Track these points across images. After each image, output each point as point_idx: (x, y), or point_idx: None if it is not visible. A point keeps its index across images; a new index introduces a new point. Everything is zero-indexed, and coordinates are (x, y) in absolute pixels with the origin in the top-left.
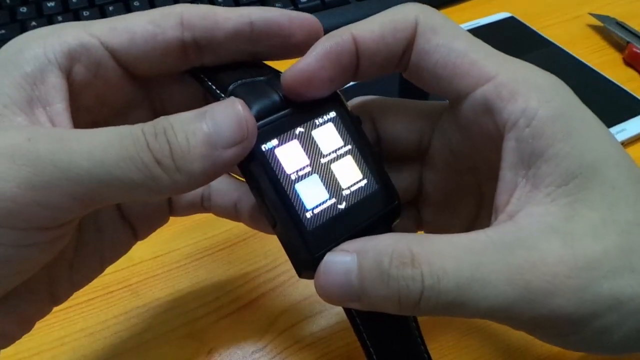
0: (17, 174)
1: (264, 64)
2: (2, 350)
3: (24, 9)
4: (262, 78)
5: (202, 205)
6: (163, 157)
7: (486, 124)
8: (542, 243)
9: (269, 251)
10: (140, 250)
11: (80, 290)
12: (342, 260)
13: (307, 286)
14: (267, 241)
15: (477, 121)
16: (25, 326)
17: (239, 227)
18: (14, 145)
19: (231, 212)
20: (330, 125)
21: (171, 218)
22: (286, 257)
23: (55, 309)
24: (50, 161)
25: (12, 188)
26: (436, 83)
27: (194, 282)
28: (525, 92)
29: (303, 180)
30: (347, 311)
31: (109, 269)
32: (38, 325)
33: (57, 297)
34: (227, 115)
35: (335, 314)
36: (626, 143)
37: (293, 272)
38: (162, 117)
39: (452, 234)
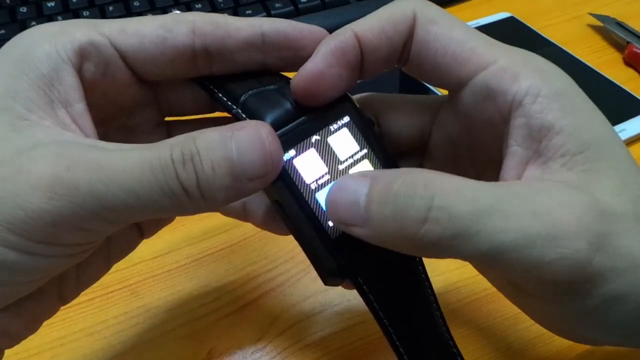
0: (58, 204)
1: (274, 72)
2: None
3: (24, 9)
4: (272, 87)
5: None
6: (190, 186)
7: (487, 109)
8: (568, 190)
9: (269, 251)
10: (140, 250)
11: None
12: (355, 180)
13: (307, 286)
14: (267, 241)
15: (477, 107)
16: (33, 326)
17: (239, 228)
18: (54, 175)
19: (240, 213)
20: (345, 130)
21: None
22: (286, 257)
23: None
24: (89, 192)
25: (53, 216)
26: (436, 73)
27: (194, 282)
28: (527, 73)
29: (323, 189)
30: (369, 304)
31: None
32: None
33: (64, 296)
34: (253, 146)
35: (335, 313)
36: (626, 143)
37: (293, 272)
38: (188, 137)
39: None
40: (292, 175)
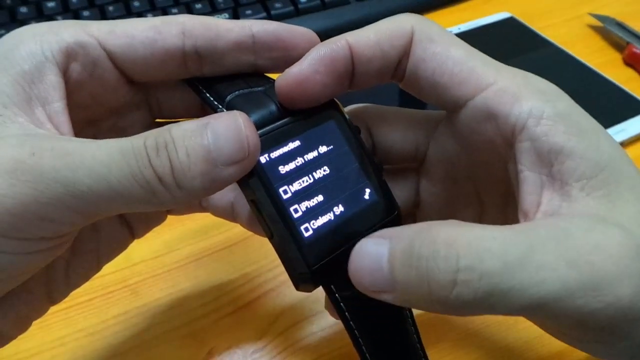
0: (20, 190)
1: (263, 74)
2: (1, 350)
3: (24, 9)
4: (260, 88)
5: (200, 205)
6: (164, 174)
7: (487, 131)
8: (599, 227)
9: (269, 251)
10: (140, 250)
11: (80, 290)
12: (375, 244)
13: None
14: (267, 241)
15: (477, 129)
16: (22, 326)
17: (238, 227)
18: (18, 160)
19: (228, 213)
20: (329, 134)
21: (172, 218)
22: None
23: (55, 308)
24: (53, 178)
25: (14, 203)
26: (434, 92)
27: (194, 282)
28: (528, 94)
29: (301, 192)
30: (340, 313)
31: (109, 269)
32: (38, 325)
33: (53, 296)
34: (229, 131)
35: None
36: (626, 143)
37: None
38: (164, 128)
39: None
40: (269, 175)
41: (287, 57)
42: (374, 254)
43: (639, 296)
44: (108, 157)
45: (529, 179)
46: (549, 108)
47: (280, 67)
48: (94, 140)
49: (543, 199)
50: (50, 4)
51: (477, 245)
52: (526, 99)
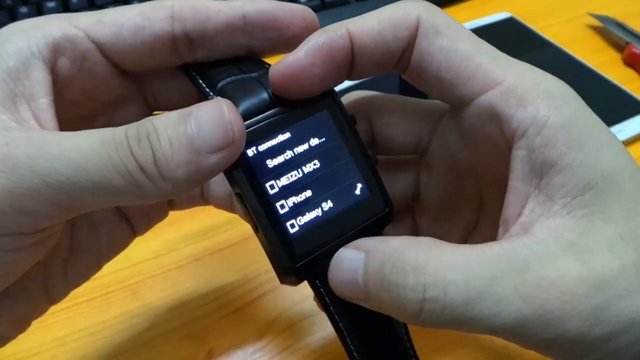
0: None
1: (259, 59)
2: (1, 350)
3: (24, 9)
4: (254, 75)
5: (202, 197)
6: (146, 163)
7: (491, 132)
8: (560, 260)
9: None
10: (141, 250)
11: (80, 290)
12: (351, 257)
13: (307, 286)
14: None
15: (481, 128)
16: (21, 326)
17: (238, 228)
18: None
19: (227, 204)
20: (322, 126)
21: (172, 218)
22: None
23: (55, 308)
24: (28, 167)
25: None
26: (438, 87)
27: (194, 282)
28: (535, 98)
29: (288, 187)
30: (325, 308)
31: (109, 269)
32: (38, 325)
33: (52, 295)
34: (212, 118)
35: None
36: (625, 143)
37: None
38: (147, 119)
39: (464, 244)
40: (255, 169)
41: (282, 38)
42: (350, 267)
43: (589, 329)
44: (87, 147)
45: (517, 189)
46: (553, 115)
47: (276, 48)
48: (75, 132)
49: (525, 211)
50: (50, 4)
51: (443, 276)
52: (532, 103)
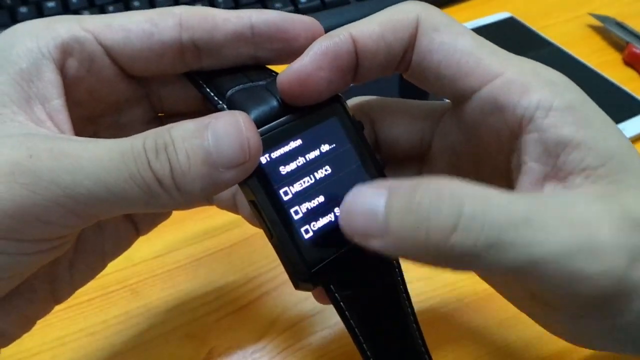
0: (17, 192)
1: (266, 67)
2: (2, 350)
3: (24, 9)
4: (261, 82)
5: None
6: (164, 176)
7: (493, 123)
8: (600, 200)
9: (269, 251)
10: (141, 250)
11: (81, 290)
12: (371, 189)
13: None
14: (267, 241)
15: (483, 121)
16: (26, 325)
17: (239, 227)
18: (15, 163)
19: (231, 205)
20: (331, 132)
21: (172, 219)
22: None
23: (55, 308)
24: (51, 180)
25: (12, 206)
26: (439, 83)
27: (194, 282)
28: (537, 85)
29: (301, 193)
30: (340, 312)
31: (109, 269)
32: (38, 324)
33: (58, 295)
34: (230, 133)
35: (335, 314)
36: None
37: None
38: (163, 129)
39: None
40: (269, 176)
41: (289, 48)
42: (370, 199)
43: (632, 270)
44: (107, 159)
45: (533, 170)
46: (557, 99)
47: (282, 58)
48: (93, 140)
49: (545, 190)
50: (50, 4)
51: (484, 197)
52: (534, 91)
